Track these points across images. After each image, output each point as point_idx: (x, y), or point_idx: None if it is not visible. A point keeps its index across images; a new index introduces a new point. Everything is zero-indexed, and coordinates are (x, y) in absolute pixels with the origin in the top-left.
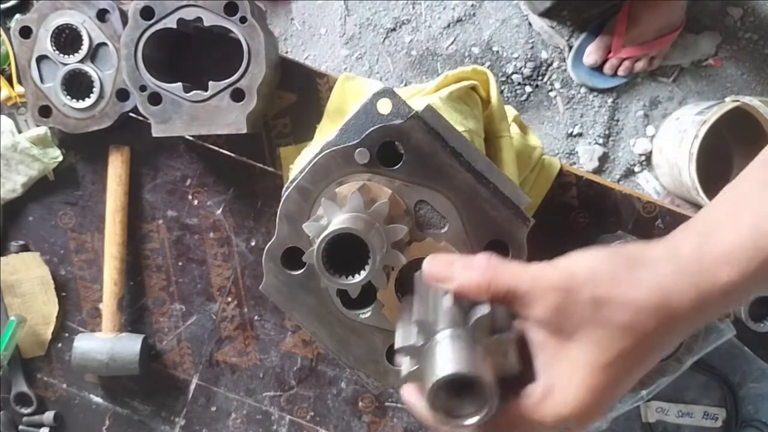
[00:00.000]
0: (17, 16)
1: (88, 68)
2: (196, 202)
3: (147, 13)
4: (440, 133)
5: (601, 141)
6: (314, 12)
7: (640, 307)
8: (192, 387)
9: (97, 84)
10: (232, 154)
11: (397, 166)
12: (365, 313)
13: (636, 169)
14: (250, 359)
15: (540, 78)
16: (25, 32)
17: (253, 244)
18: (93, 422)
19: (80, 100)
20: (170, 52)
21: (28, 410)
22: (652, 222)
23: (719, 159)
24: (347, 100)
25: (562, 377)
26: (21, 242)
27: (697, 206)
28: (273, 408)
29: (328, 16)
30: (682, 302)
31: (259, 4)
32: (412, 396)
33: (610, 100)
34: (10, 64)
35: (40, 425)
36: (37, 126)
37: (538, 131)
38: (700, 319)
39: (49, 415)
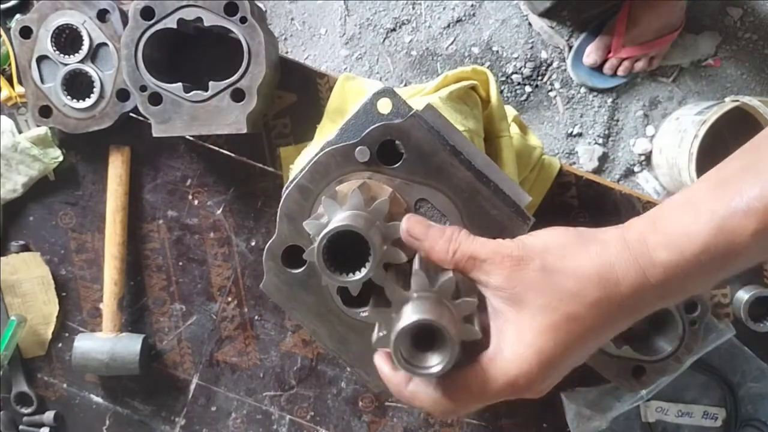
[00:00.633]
0: (17, 16)
1: (89, 68)
2: (196, 202)
3: (147, 13)
4: (440, 131)
5: (600, 141)
6: (314, 12)
7: (585, 275)
8: (192, 387)
9: (97, 84)
10: (232, 154)
11: (397, 165)
12: (365, 312)
13: (636, 169)
14: (250, 359)
15: (540, 78)
16: (26, 32)
17: (253, 244)
18: (93, 422)
19: (80, 101)
20: (170, 52)
21: (29, 410)
22: None
23: (719, 159)
24: (347, 100)
25: (510, 340)
26: (21, 242)
27: None
28: (273, 408)
29: (328, 16)
30: (626, 276)
31: (259, 4)
32: (380, 361)
33: (609, 100)
34: (10, 65)
35: (41, 425)
36: (38, 126)
37: (538, 131)
38: (643, 299)
39: (49, 415)
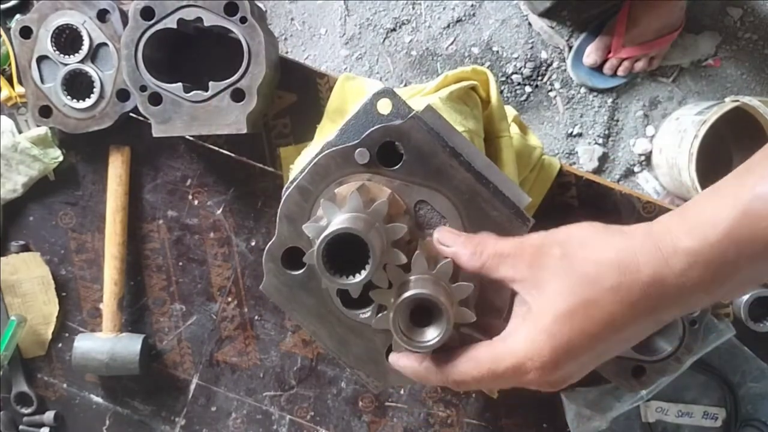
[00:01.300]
0: (17, 16)
1: (89, 68)
2: (196, 202)
3: (147, 13)
4: (440, 133)
5: (600, 141)
6: (314, 12)
7: (605, 261)
8: (192, 387)
9: (97, 84)
10: (232, 155)
11: (397, 167)
12: (365, 313)
13: (636, 169)
14: (250, 359)
15: (540, 78)
16: (26, 32)
17: (253, 244)
18: (93, 422)
19: (80, 101)
20: (170, 53)
21: (29, 410)
22: None
23: (719, 159)
24: (347, 100)
25: (527, 324)
26: (21, 242)
27: None
28: (273, 408)
29: (328, 16)
30: (648, 263)
31: (259, 4)
32: (395, 356)
33: (609, 100)
34: (10, 65)
35: (41, 425)
36: (38, 126)
37: (538, 131)
38: (666, 290)
39: (49, 415)
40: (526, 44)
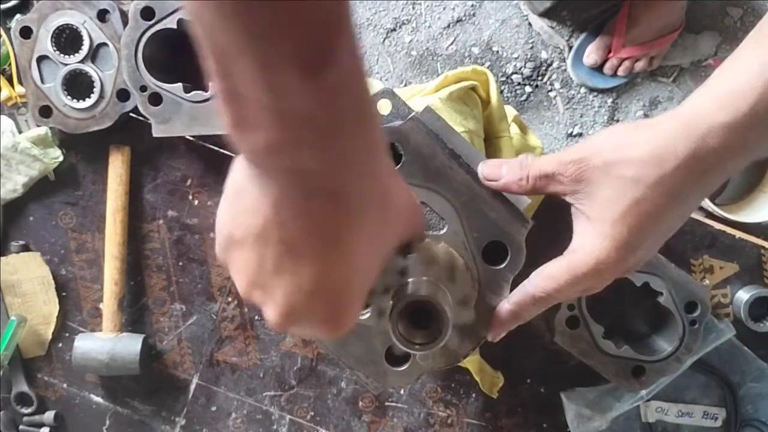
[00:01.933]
0: (17, 16)
1: (89, 68)
2: (196, 202)
3: (147, 13)
4: (439, 134)
5: None
6: None
7: (642, 159)
8: (192, 387)
9: (97, 84)
10: (232, 155)
11: (396, 168)
12: (365, 315)
13: None
14: (250, 359)
15: (540, 78)
16: (26, 32)
17: None
18: (93, 422)
19: (81, 101)
20: (170, 53)
21: (29, 410)
22: None
23: None
24: None
25: (589, 234)
26: (21, 242)
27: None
28: (273, 408)
29: None
30: (685, 149)
31: None
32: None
33: (609, 100)
34: (10, 65)
35: (41, 425)
36: (38, 126)
37: (538, 131)
38: (707, 163)
39: (49, 415)
40: (526, 44)
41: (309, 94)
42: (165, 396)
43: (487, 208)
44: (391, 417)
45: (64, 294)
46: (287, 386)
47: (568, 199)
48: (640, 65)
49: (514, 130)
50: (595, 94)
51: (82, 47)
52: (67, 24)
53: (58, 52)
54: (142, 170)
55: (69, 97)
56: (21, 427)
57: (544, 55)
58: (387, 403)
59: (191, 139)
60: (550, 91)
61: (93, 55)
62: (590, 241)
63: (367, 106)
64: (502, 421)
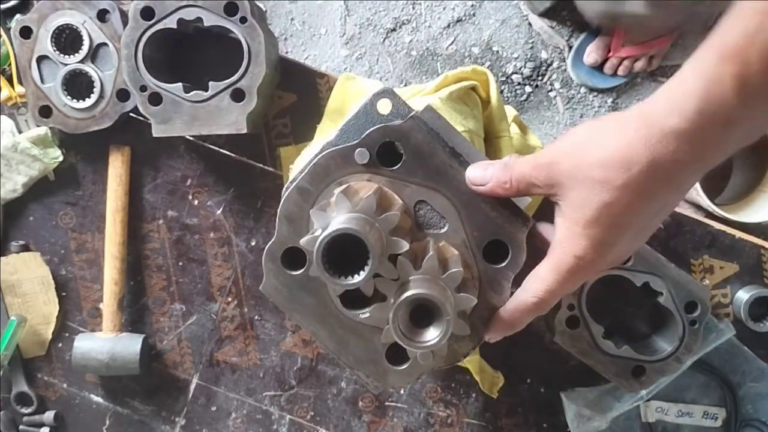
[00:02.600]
0: (17, 16)
1: (89, 68)
2: (196, 202)
3: (147, 13)
4: (440, 133)
5: None
6: (314, 12)
7: (607, 162)
8: (192, 387)
9: (97, 84)
10: (232, 154)
11: (396, 167)
12: (365, 314)
13: None
14: (250, 359)
15: (540, 78)
16: (26, 32)
17: (253, 244)
18: (93, 422)
19: (81, 101)
20: (170, 52)
21: (29, 410)
22: None
23: None
24: (347, 100)
25: (567, 232)
26: (21, 242)
27: (697, 206)
28: (273, 408)
29: (328, 16)
30: (645, 153)
31: (259, 4)
32: (509, 307)
33: (609, 100)
34: (10, 65)
35: (41, 425)
36: (38, 126)
37: (538, 131)
38: (667, 169)
39: (49, 415)
40: (526, 44)
41: None
42: (165, 396)
43: (487, 206)
44: (391, 417)
45: (64, 294)
46: (287, 386)
47: (549, 198)
48: (639, 65)
49: (514, 130)
50: (595, 94)
51: (82, 47)
52: (67, 24)
53: (58, 52)
54: (142, 170)
55: (69, 97)
56: (21, 427)
57: (544, 55)
58: (387, 403)
59: (191, 139)
60: (550, 91)
61: (93, 55)
62: (569, 240)
63: None
64: (502, 421)
